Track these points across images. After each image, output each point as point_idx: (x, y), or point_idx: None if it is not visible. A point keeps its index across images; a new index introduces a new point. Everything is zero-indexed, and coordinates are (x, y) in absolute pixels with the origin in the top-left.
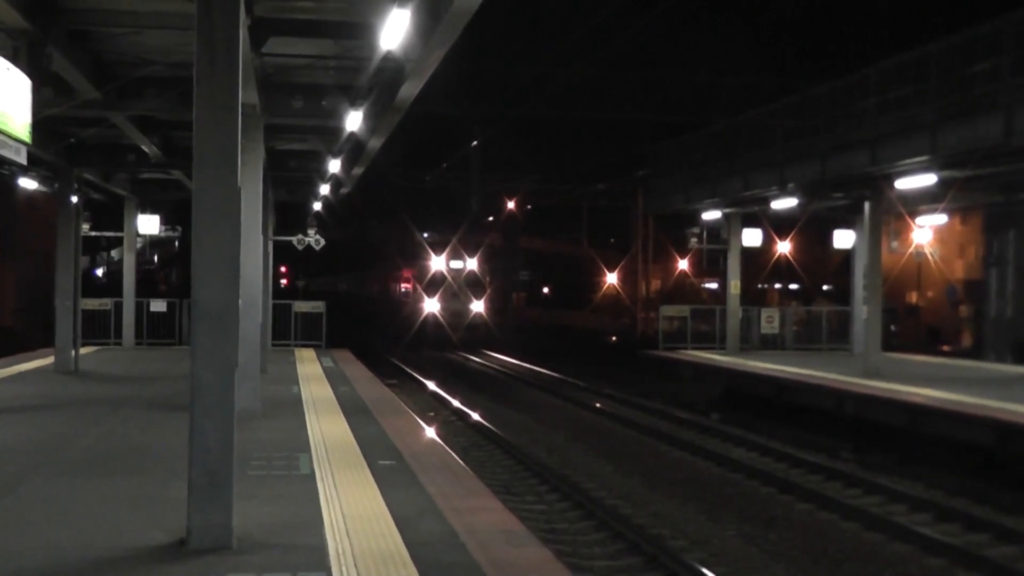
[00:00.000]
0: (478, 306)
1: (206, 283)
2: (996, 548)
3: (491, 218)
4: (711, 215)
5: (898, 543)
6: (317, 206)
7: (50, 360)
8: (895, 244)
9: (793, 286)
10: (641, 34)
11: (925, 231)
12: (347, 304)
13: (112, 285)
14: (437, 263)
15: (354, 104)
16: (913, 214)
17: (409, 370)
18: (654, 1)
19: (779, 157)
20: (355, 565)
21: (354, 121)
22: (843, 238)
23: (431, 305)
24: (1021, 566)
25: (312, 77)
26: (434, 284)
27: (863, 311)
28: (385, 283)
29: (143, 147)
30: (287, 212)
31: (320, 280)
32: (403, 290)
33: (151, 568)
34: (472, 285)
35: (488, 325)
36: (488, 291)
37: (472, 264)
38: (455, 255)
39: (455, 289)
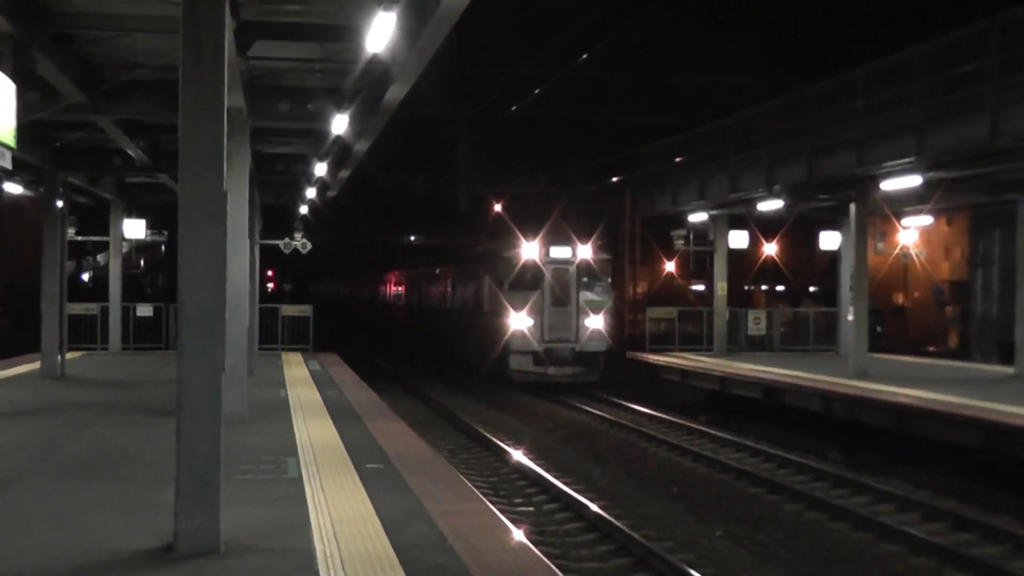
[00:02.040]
0: (596, 322)
1: (193, 287)
2: (983, 547)
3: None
4: (698, 217)
5: (886, 543)
6: (304, 209)
7: (36, 365)
8: (881, 245)
9: (780, 288)
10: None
11: (911, 232)
12: (349, 312)
13: (98, 290)
14: (529, 250)
15: (341, 107)
16: (899, 215)
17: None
18: (643, 3)
19: (766, 159)
20: (343, 569)
21: (341, 124)
22: (829, 239)
23: (519, 321)
24: (1008, 565)
25: (298, 80)
26: (521, 285)
27: (849, 312)
28: (427, 283)
29: (129, 151)
30: (275, 215)
31: (320, 283)
32: (458, 293)
33: (138, 573)
34: (590, 287)
35: (610, 352)
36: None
37: (586, 252)
38: (555, 238)
39: (558, 293)
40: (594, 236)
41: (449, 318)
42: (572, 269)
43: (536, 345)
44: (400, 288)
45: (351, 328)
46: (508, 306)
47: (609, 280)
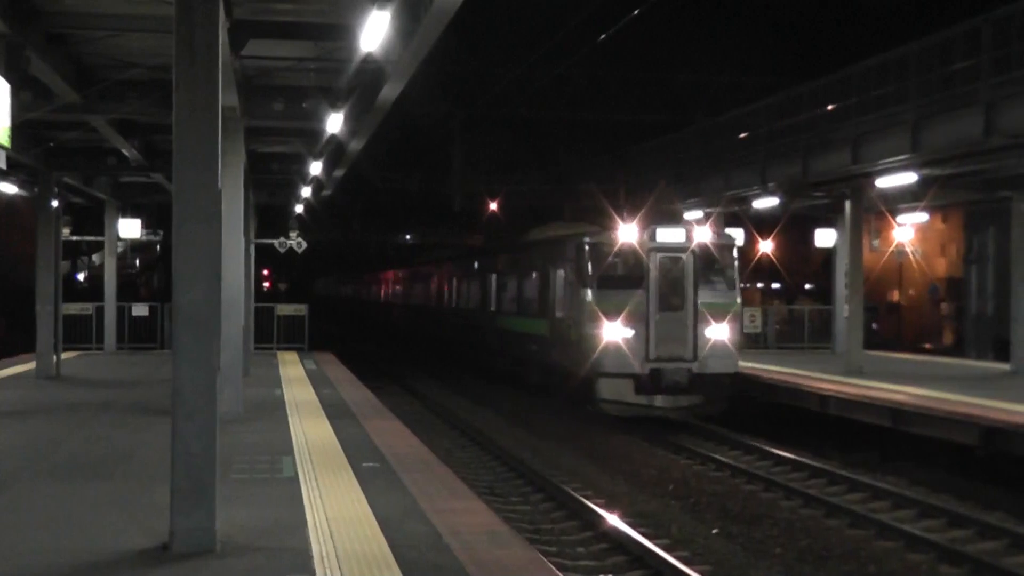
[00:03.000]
0: (719, 332)
1: (188, 287)
2: (978, 544)
3: None
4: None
5: (882, 540)
6: (299, 208)
7: (31, 365)
8: (876, 243)
9: (775, 285)
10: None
11: (906, 229)
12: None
13: (93, 289)
14: (626, 233)
15: (335, 106)
16: (894, 212)
17: None
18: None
19: (761, 156)
20: (339, 567)
21: (335, 123)
22: (824, 237)
23: (612, 331)
24: (1003, 562)
25: (292, 79)
26: (613, 281)
27: (845, 309)
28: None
29: (123, 150)
30: (270, 214)
31: (323, 282)
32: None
33: (134, 572)
34: (711, 283)
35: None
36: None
37: (704, 235)
38: (661, 216)
39: (668, 292)
40: (712, 214)
41: (491, 325)
42: (687, 259)
43: (638, 366)
44: (419, 286)
45: (360, 334)
46: (596, 311)
47: (735, 274)
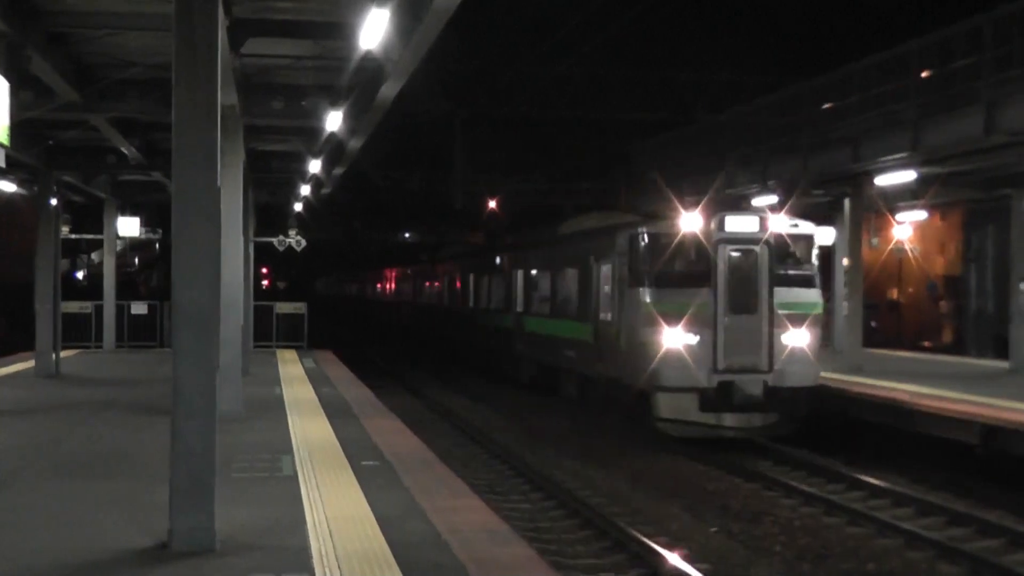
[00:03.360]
0: (799, 338)
1: (187, 285)
2: (977, 542)
3: None
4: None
5: (882, 538)
6: (299, 207)
7: (31, 364)
8: (875, 240)
9: None
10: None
11: (905, 227)
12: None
13: (93, 288)
14: (688, 222)
15: (335, 104)
16: (893, 210)
17: None
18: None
19: (761, 154)
20: (339, 566)
21: (335, 121)
22: (824, 235)
23: (673, 337)
24: (1003, 560)
25: (292, 78)
26: (673, 278)
27: (844, 307)
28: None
29: (123, 149)
30: (269, 213)
31: (325, 281)
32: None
33: (133, 571)
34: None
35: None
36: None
37: (780, 224)
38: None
39: (739, 292)
40: (788, 199)
41: (517, 328)
42: (761, 251)
43: (703, 378)
44: (431, 285)
45: (365, 335)
46: (653, 314)
47: (814, 270)
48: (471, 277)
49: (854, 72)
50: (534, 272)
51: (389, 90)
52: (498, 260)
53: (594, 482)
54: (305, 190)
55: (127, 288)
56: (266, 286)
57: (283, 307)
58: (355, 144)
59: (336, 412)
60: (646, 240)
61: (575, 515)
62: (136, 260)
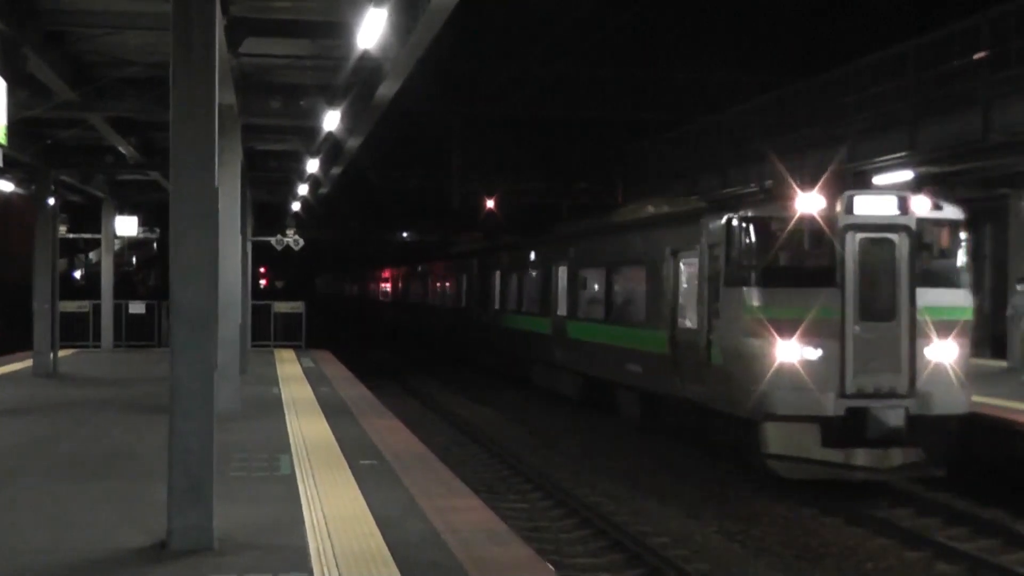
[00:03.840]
0: (946, 352)
1: (185, 284)
2: (975, 542)
3: None
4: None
5: (879, 537)
6: (296, 206)
7: (28, 363)
8: None
9: None
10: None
11: None
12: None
13: (90, 287)
14: (806, 203)
15: (332, 104)
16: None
17: None
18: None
19: (758, 154)
20: (337, 565)
21: (332, 121)
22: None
23: (786, 351)
24: (1000, 560)
25: (290, 77)
26: (784, 276)
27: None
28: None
29: (121, 148)
30: (267, 212)
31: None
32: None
33: (132, 570)
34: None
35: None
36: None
37: (922, 207)
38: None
39: (872, 293)
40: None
41: (557, 333)
42: (900, 241)
43: (827, 404)
44: (445, 283)
45: (370, 339)
46: (760, 321)
47: (963, 265)
48: (495, 275)
49: (851, 72)
50: (581, 269)
51: (387, 89)
52: (532, 255)
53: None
54: (303, 189)
55: (125, 287)
56: (264, 285)
57: (281, 306)
58: (353, 143)
59: (334, 411)
60: (751, 226)
61: None
62: (134, 259)
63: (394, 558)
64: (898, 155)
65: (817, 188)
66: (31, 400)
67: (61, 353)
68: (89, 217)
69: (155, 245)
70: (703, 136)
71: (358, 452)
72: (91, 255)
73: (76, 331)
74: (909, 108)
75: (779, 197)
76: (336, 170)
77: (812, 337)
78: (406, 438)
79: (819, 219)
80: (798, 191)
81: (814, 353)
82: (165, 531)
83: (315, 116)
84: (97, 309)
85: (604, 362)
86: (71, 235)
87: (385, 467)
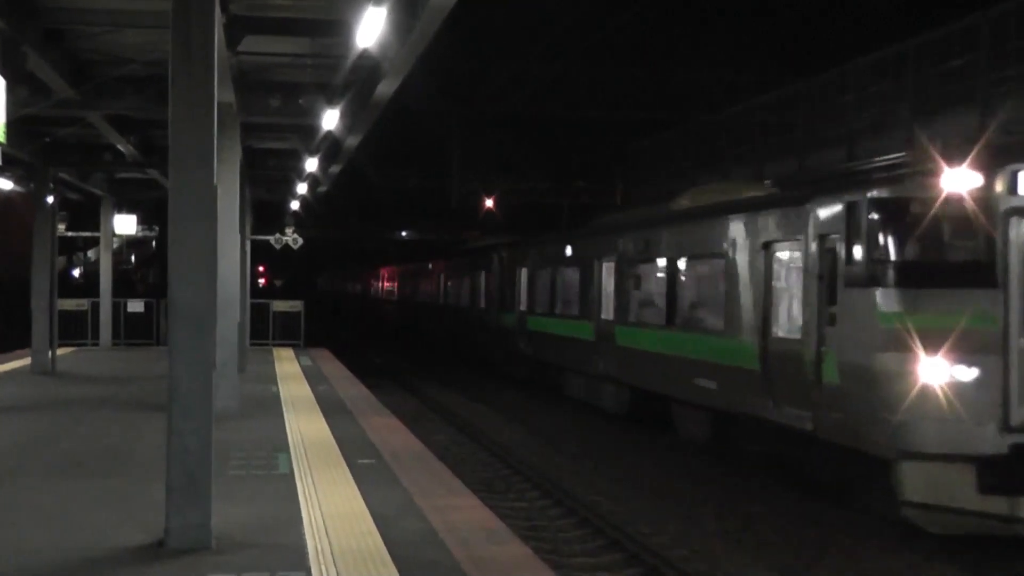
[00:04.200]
0: None
1: (183, 283)
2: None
3: None
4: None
5: (879, 536)
6: (295, 205)
7: (27, 361)
8: None
9: None
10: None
11: None
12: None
13: (89, 285)
14: (954, 181)
15: (331, 102)
16: None
17: None
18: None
19: (757, 153)
20: (335, 564)
21: (331, 119)
22: None
23: (933, 371)
24: (999, 560)
25: (289, 75)
26: (928, 274)
27: None
28: None
29: (120, 146)
30: (266, 210)
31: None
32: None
33: (130, 569)
34: None
35: None
36: None
37: None
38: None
39: None
40: None
41: (603, 339)
42: None
43: (987, 439)
44: (462, 282)
45: (375, 342)
46: (897, 331)
47: None
48: (521, 273)
49: (850, 71)
50: (632, 266)
51: (386, 88)
52: (568, 251)
53: None
54: (302, 188)
55: (123, 286)
56: (262, 284)
57: (280, 305)
58: (352, 142)
59: (332, 409)
60: (883, 211)
61: None
62: (132, 258)
63: (392, 557)
64: (896, 155)
65: (968, 162)
66: (29, 398)
67: (60, 351)
68: (88, 215)
69: (154, 243)
70: (701, 136)
71: (356, 451)
72: (90, 253)
73: (75, 329)
74: (908, 108)
75: (920, 174)
76: (335, 169)
77: (965, 352)
78: (405, 437)
79: (974, 201)
80: (945, 166)
81: (968, 373)
82: (163, 529)
83: (314, 114)
84: (96, 307)
85: (663, 375)
86: (70, 233)
87: (383, 466)
